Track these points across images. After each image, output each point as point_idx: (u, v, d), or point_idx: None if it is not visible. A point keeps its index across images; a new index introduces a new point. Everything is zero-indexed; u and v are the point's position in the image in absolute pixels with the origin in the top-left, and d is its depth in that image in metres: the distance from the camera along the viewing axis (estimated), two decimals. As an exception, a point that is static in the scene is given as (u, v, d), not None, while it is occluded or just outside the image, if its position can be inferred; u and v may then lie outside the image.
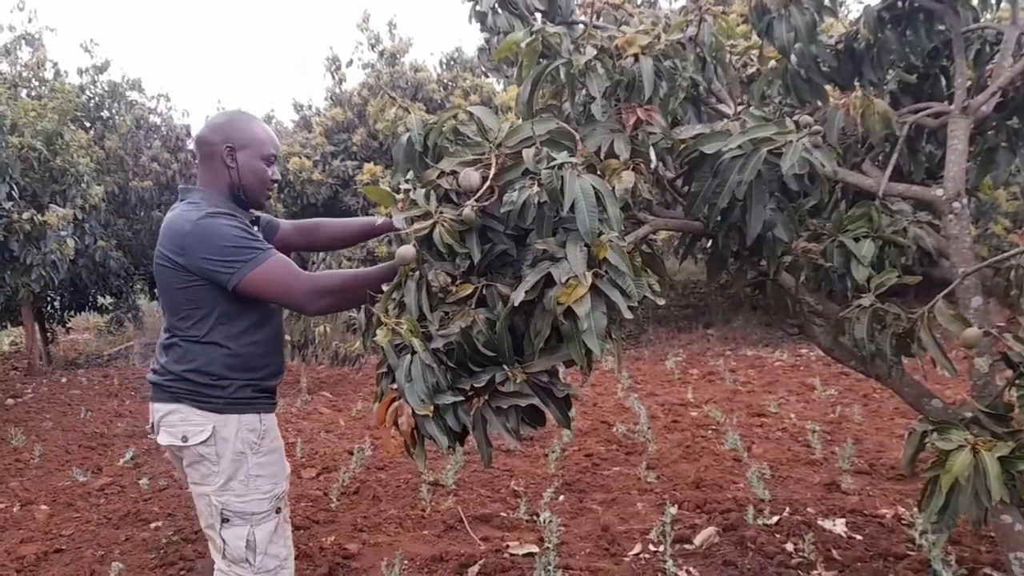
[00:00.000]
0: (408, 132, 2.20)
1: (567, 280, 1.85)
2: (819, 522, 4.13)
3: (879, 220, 2.56)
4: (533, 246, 2.01)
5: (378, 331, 2.06)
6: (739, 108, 2.35)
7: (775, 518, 4.22)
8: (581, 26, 2.43)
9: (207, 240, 2.25)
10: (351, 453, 5.98)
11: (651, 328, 12.18)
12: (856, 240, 2.53)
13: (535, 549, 4.02)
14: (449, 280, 2.07)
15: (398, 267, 2.13)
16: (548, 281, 1.91)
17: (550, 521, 4.27)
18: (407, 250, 2.02)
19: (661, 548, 3.99)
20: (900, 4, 2.93)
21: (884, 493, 4.57)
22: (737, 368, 9.04)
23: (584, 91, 2.25)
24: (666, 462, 5.38)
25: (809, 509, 4.34)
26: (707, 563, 3.78)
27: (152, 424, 2.45)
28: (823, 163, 1.99)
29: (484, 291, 2.06)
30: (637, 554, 3.99)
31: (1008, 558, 2.67)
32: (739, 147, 2.03)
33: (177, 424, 2.35)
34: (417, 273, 2.09)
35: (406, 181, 2.25)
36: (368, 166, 11.53)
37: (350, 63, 12.45)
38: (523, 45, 2.16)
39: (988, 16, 3.05)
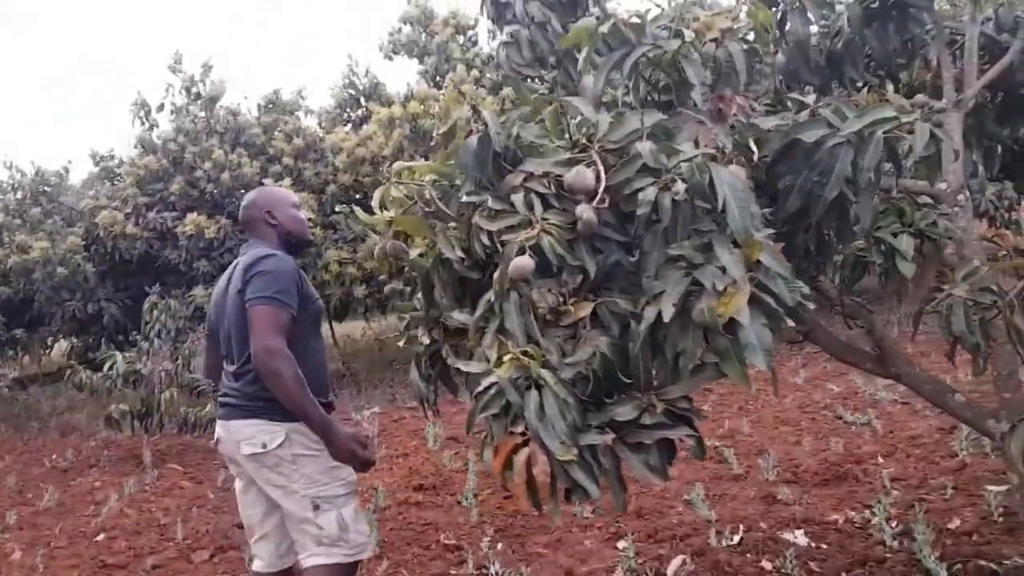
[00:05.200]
0: (477, 133, 1.87)
1: (725, 288, 1.61)
2: (782, 535, 4.08)
3: (912, 214, 2.51)
4: (652, 254, 1.76)
5: (477, 361, 1.73)
6: (823, 97, 2.21)
7: (736, 537, 4.12)
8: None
9: (267, 266, 2.68)
10: (243, 528, 5.31)
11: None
12: (894, 235, 2.47)
13: (509, 605, 3.68)
14: (558, 300, 1.77)
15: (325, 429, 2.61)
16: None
17: (508, 574, 3.95)
18: (525, 261, 1.70)
19: (633, 585, 3.78)
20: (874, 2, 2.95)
21: (820, 500, 4.60)
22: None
23: (646, 80, 2.04)
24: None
25: (762, 524, 4.28)
26: (690, 594, 3.60)
27: (217, 438, 2.91)
28: (951, 143, 1.88)
29: (597, 309, 1.78)
30: (612, 595, 3.75)
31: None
32: (851, 133, 1.88)
33: (255, 435, 2.69)
34: (514, 294, 1.77)
35: (472, 191, 1.93)
36: (191, 216, 10.71)
37: (161, 107, 11.49)
38: (600, 30, 1.92)
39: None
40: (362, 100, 12.59)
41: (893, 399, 6.98)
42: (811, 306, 1.74)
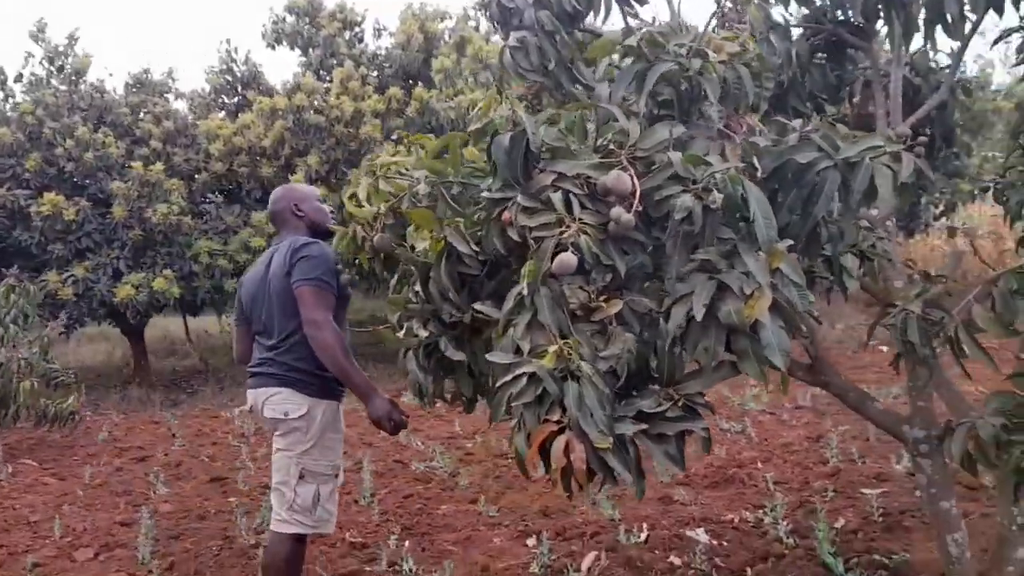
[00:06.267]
0: (510, 132, 1.92)
1: (752, 292, 1.75)
2: (685, 533, 4.30)
3: (856, 235, 2.75)
4: (674, 258, 1.87)
5: (503, 352, 1.79)
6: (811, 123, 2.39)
7: (642, 535, 4.31)
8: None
9: (312, 252, 3.08)
10: (126, 525, 5.07)
11: (371, 365, 11.90)
12: (840, 255, 2.69)
13: (433, 601, 3.72)
14: (588, 296, 1.85)
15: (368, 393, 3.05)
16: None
17: (421, 570, 3.98)
18: (569, 258, 1.77)
19: (549, 580, 3.91)
20: (818, 39, 3.20)
21: (713, 500, 4.88)
22: (480, 398, 9.12)
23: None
24: (492, 495, 5.26)
25: (664, 522, 4.50)
26: (608, 588, 3.75)
27: (250, 406, 3.27)
28: (928, 173, 2.09)
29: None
30: (529, 590, 3.85)
31: (946, 539, 2.97)
32: (843, 159, 2.06)
33: (280, 403, 3.09)
34: (546, 288, 1.84)
35: (501, 186, 1.98)
36: (48, 195, 10.04)
37: (20, 77, 10.70)
38: (628, 43, 2.02)
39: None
40: (239, 88, 12.19)
41: (761, 410, 7.45)
42: (818, 316, 1.90)
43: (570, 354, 1.72)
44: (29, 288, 8.16)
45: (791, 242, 1.84)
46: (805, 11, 3.19)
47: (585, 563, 4.01)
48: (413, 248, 2.38)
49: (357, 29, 12.36)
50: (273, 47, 12.22)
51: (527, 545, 4.39)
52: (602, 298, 1.85)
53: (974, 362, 2.33)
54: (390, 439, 7.25)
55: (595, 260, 1.81)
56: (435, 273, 2.21)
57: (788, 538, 4.05)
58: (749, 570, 3.79)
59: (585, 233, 1.81)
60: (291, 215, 3.33)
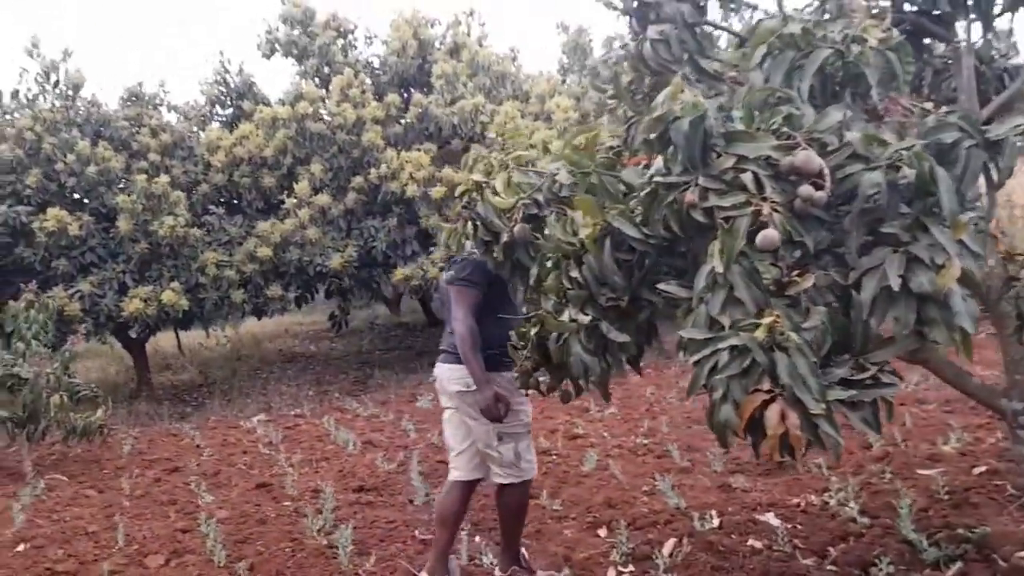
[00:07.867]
0: (687, 117, 1.99)
1: (943, 263, 1.83)
2: (757, 517, 4.39)
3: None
4: (852, 233, 1.95)
5: (695, 328, 1.86)
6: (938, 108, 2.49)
7: (715, 521, 4.40)
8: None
9: (460, 256, 3.56)
10: (188, 531, 5.06)
11: (377, 372, 11.93)
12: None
13: (526, 591, 3.77)
14: (781, 272, 1.93)
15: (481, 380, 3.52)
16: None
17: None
18: (773, 234, 1.85)
19: (630, 568, 3.97)
20: (900, 29, 3.31)
21: (772, 487, 4.96)
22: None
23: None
24: (550, 489, 5.31)
25: (730, 509, 4.58)
26: (694, 572, 3.82)
27: (435, 376, 3.87)
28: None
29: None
30: (615, 578, 3.91)
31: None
32: (987, 137, 2.16)
33: (460, 377, 3.64)
34: (737, 266, 1.92)
35: (681, 171, 2.05)
36: (52, 211, 9.92)
37: (15, 94, 10.59)
38: (785, 31, 2.11)
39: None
40: (233, 98, 12.16)
41: (787, 399, 7.55)
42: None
43: (781, 326, 1.80)
44: (48, 303, 8.09)
45: (973, 214, 1.93)
46: (885, 2, 3.29)
47: (666, 549, 4.08)
48: (549, 237, 2.45)
49: (351, 37, 12.37)
50: (268, 57, 12.18)
51: (599, 535, 4.46)
52: (794, 273, 1.93)
53: None
54: (408, 440, 7.28)
55: (787, 237, 1.89)
56: (590, 259, 2.27)
57: (861, 518, 4.15)
58: (832, 550, 3.88)
59: (776, 211, 1.89)
60: None
